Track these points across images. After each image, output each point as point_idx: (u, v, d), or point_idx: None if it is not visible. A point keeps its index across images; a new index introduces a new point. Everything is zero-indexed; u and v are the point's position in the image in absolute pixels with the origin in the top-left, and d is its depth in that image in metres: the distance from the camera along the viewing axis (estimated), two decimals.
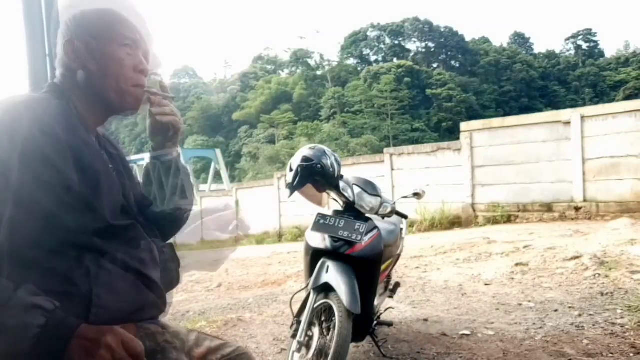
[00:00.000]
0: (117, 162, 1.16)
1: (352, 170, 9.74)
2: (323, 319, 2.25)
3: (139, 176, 1.32)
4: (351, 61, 65.66)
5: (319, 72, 60.86)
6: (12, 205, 0.87)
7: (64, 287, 0.94)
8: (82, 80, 1.07)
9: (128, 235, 1.07)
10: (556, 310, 3.38)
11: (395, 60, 60.79)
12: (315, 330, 2.23)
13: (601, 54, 66.34)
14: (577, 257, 4.56)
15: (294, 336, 2.23)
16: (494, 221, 8.82)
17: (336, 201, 2.55)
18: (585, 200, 8.02)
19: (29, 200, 0.88)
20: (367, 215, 2.48)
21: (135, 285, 1.05)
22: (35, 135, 0.90)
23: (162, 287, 1.13)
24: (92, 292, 0.95)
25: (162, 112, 1.16)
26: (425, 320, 3.41)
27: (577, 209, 8.06)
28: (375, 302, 2.58)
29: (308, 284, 2.34)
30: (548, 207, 8.42)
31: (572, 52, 66.96)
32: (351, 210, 2.45)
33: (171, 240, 1.40)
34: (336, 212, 2.47)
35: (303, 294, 2.42)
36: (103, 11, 1.12)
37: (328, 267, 2.27)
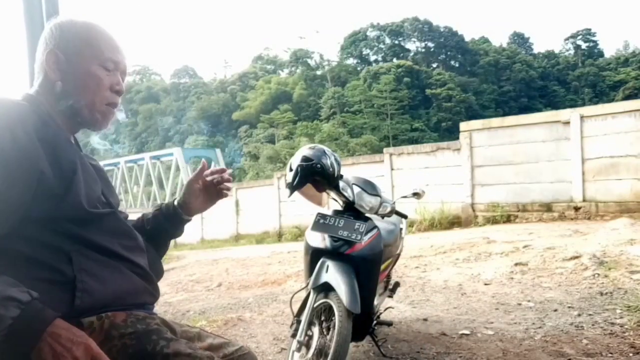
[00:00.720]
0: (96, 169, 1.17)
1: (352, 170, 9.75)
2: (323, 318, 2.25)
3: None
4: (351, 61, 65.67)
5: (318, 72, 60.84)
6: None
7: (46, 274, 0.94)
8: (59, 91, 1.07)
9: (109, 224, 1.08)
10: (555, 310, 3.38)
11: (394, 60, 60.79)
12: (315, 330, 2.23)
13: (600, 54, 66.34)
14: (576, 257, 4.56)
15: (293, 335, 2.23)
16: (493, 221, 8.82)
17: (336, 201, 2.55)
18: (584, 200, 8.02)
19: (2, 188, 0.88)
20: (367, 214, 2.49)
21: (121, 270, 1.05)
22: (3, 127, 0.91)
23: (151, 274, 1.14)
24: (76, 278, 0.96)
25: (228, 189, 1.35)
26: (425, 319, 3.41)
27: (576, 208, 8.06)
28: (375, 302, 2.58)
29: (308, 284, 2.34)
30: (547, 207, 8.42)
31: (572, 52, 67.00)
32: (351, 209, 2.46)
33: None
34: (336, 212, 2.47)
35: (303, 294, 2.43)
36: (90, 26, 1.12)
37: (328, 266, 2.27)
